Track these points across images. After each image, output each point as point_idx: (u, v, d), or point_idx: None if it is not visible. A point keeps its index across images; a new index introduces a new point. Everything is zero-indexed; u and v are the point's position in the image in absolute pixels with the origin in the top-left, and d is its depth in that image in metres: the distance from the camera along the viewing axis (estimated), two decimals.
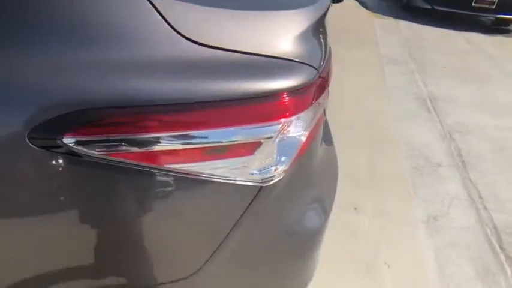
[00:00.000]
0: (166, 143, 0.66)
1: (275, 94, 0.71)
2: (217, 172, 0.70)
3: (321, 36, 0.90)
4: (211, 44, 0.69)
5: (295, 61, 0.76)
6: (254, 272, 0.88)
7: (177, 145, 0.67)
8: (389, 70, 4.14)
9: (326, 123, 1.24)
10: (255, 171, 0.73)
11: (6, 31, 0.61)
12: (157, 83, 0.65)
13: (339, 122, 2.88)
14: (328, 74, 0.91)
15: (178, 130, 0.66)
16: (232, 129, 0.69)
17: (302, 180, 0.89)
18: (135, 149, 0.65)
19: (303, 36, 0.80)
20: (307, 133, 0.80)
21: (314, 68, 0.79)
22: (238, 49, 0.71)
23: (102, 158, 0.64)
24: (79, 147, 0.63)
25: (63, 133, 0.62)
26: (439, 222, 2.02)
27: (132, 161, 0.65)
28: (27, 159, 0.63)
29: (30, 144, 0.61)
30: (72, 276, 0.76)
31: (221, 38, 0.70)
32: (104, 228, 0.71)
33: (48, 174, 0.64)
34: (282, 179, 0.78)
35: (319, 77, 0.81)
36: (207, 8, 0.72)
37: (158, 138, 0.66)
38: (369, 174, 2.34)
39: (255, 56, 0.72)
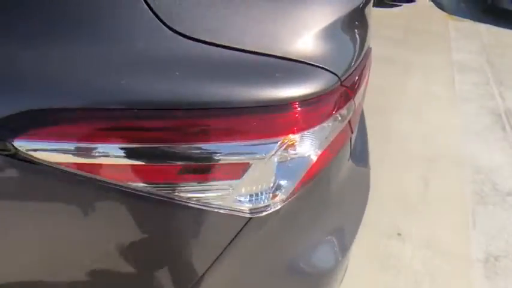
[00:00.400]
0: (127, 155, 0.54)
1: (274, 104, 0.56)
2: (193, 197, 0.57)
3: (351, 34, 0.72)
4: (200, 37, 0.55)
5: (308, 64, 0.60)
6: None
7: (143, 160, 0.54)
8: (461, 78, 3.70)
9: (362, 136, 1.04)
10: (242, 199, 0.58)
11: None
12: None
13: (393, 134, 2.61)
14: (357, 81, 0.73)
15: (146, 142, 0.53)
16: (216, 144, 0.55)
17: (311, 208, 0.72)
18: (84, 159, 0.53)
19: (324, 34, 0.63)
20: (319, 152, 0.63)
21: (334, 73, 0.62)
22: (234, 45, 0.56)
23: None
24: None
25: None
26: (501, 263, 1.70)
27: (83, 173, 0.54)
28: None
29: None
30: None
31: (213, 31, 0.56)
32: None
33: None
34: (280, 208, 0.62)
35: (341, 85, 0.63)
36: None
37: (120, 148, 0.53)
38: (420, 196, 2.05)
39: (252, 55, 0.57)
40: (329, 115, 0.63)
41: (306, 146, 0.61)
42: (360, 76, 0.75)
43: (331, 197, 0.77)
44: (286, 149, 0.59)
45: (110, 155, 0.53)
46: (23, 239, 0.61)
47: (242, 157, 0.55)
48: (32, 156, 0.53)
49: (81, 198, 0.56)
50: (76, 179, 0.54)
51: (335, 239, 0.80)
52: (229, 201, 0.58)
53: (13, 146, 0.52)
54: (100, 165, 0.53)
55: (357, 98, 0.73)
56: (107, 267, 0.62)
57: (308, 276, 0.75)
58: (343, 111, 0.67)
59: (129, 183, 0.55)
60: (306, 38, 0.61)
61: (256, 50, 0.57)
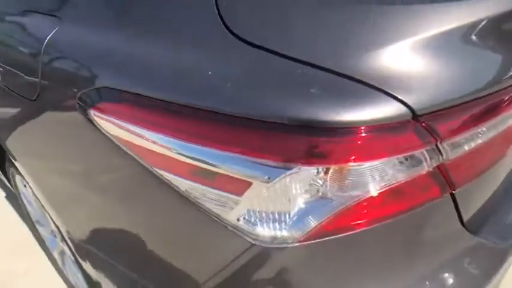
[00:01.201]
0: (160, 143, 0.56)
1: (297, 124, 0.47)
2: (204, 200, 0.55)
3: (462, 60, 0.52)
4: (271, 48, 0.51)
5: (365, 84, 0.47)
6: None
7: (167, 150, 0.56)
8: None
9: None
10: (245, 219, 0.52)
11: None
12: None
13: None
14: (466, 124, 0.52)
15: (183, 137, 0.54)
16: (225, 154, 0.51)
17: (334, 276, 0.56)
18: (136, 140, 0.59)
19: (408, 54, 0.49)
20: (358, 198, 0.50)
21: (404, 103, 0.47)
22: (281, 52, 0.50)
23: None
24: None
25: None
26: None
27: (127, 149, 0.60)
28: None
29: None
30: None
31: (282, 43, 0.52)
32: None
33: None
34: (293, 249, 0.52)
35: (415, 119, 0.47)
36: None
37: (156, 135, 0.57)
38: None
39: (307, 67, 0.49)
40: (379, 154, 0.48)
41: (339, 185, 0.49)
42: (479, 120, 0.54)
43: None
44: (309, 181, 0.49)
45: (153, 141, 0.58)
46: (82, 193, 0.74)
47: (245, 174, 0.49)
48: (97, 123, 0.63)
49: (118, 167, 0.63)
50: (119, 148, 0.61)
51: None
52: (233, 217, 0.53)
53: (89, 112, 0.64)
54: (134, 144, 0.59)
55: (458, 144, 0.53)
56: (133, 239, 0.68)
57: None
58: (416, 154, 0.50)
59: (157, 169, 0.58)
60: (380, 57, 0.48)
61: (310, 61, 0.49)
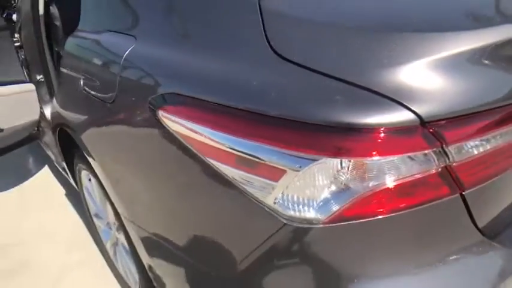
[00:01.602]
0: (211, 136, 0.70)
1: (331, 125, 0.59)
2: (248, 185, 0.67)
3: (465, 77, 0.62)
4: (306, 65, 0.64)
5: (384, 96, 0.58)
6: None
7: (218, 144, 0.69)
8: None
9: None
10: (280, 202, 0.64)
11: None
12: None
13: None
14: (473, 133, 0.61)
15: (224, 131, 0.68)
16: (272, 148, 0.63)
17: (355, 253, 0.66)
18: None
19: (418, 72, 0.60)
20: (374, 189, 0.60)
21: (413, 111, 0.57)
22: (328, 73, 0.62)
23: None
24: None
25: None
26: None
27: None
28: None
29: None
30: None
31: (314, 59, 0.65)
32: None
33: None
34: (321, 231, 0.63)
35: (423, 125, 0.58)
36: (316, 24, 0.68)
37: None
38: None
39: (335, 81, 0.61)
40: (392, 152, 0.58)
41: (357, 176, 0.60)
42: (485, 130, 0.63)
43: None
44: (333, 171, 0.60)
45: (208, 137, 0.71)
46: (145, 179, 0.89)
47: (281, 163, 0.61)
48: (164, 121, 0.78)
49: (179, 158, 0.77)
50: (180, 142, 0.75)
51: None
52: (270, 200, 0.65)
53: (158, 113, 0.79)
54: (192, 138, 0.72)
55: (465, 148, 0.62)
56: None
57: None
58: (424, 154, 0.59)
59: (210, 159, 0.71)
60: (394, 73, 0.60)
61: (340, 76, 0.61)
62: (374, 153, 0.58)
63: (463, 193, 0.66)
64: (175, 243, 0.89)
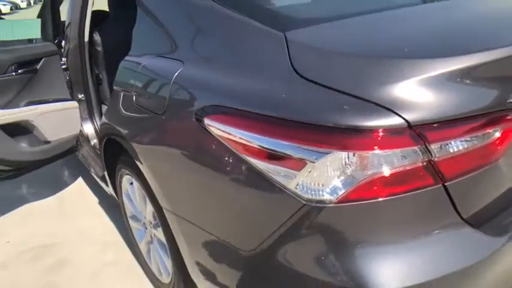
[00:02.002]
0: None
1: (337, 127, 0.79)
2: (275, 175, 0.87)
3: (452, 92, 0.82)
4: (319, 82, 0.86)
5: (378, 105, 0.78)
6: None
7: (251, 143, 0.89)
8: None
9: None
10: (300, 187, 0.83)
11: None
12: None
13: None
14: (452, 134, 0.81)
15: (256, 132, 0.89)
16: (291, 144, 0.83)
17: (359, 228, 0.84)
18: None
19: (411, 86, 0.80)
20: (369, 177, 0.79)
21: (402, 117, 0.77)
22: (337, 88, 0.83)
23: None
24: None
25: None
26: None
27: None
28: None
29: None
30: None
31: (325, 77, 0.86)
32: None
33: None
34: (332, 209, 0.82)
35: (411, 128, 0.77)
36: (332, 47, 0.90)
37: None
38: None
39: (338, 93, 0.82)
40: (386, 147, 0.77)
41: (359, 167, 0.79)
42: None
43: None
44: (335, 165, 0.79)
45: (243, 138, 0.92)
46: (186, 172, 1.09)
47: (302, 156, 0.81)
48: (208, 127, 0.99)
49: (218, 156, 0.97)
50: (221, 143, 0.95)
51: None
52: (292, 186, 0.84)
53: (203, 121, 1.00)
54: (230, 140, 0.93)
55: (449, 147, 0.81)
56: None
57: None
58: (411, 150, 0.78)
59: (244, 155, 0.91)
60: (389, 89, 0.80)
61: (346, 91, 0.82)
62: (373, 148, 0.77)
63: (445, 184, 0.84)
64: (213, 229, 1.08)
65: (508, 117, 0.89)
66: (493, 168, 0.92)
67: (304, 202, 0.83)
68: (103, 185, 2.17)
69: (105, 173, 1.93)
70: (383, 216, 0.83)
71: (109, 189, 2.06)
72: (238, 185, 0.96)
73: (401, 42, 0.94)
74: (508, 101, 0.88)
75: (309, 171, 0.81)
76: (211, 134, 0.98)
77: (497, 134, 0.87)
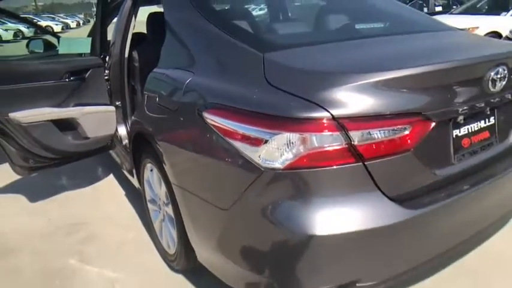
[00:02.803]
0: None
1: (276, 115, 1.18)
2: (246, 150, 1.24)
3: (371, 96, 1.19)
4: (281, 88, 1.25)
5: (310, 101, 1.16)
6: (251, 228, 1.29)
7: (233, 129, 1.28)
8: None
9: None
10: (261, 159, 1.20)
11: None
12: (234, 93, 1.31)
13: None
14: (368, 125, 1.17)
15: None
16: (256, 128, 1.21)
17: (298, 191, 1.19)
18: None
19: (341, 91, 1.17)
20: (301, 154, 1.15)
21: (327, 110, 1.14)
22: (289, 91, 1.22)
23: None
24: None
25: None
26: None
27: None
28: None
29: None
30: None
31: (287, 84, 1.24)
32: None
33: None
34: (282, 174, 1.18)
35: (334, 119, 1.13)
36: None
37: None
38: None
39: (291, 95, 1.20)
40: (317, 131, 1.13)
41: (298, 144, 1.15)
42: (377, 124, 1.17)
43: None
44: (282, 142, 1.16)
45: (227, 126, 1.30)
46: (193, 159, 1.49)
47: (254, 134, 1.19)
48: (205, 119, 1.38)
49: (213, 140, 1.35)
50: (214, 131, 1.34)
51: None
52: (256, 158, 1.21)
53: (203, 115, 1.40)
54: (220, 127, 1.31)
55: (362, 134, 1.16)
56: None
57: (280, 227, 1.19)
58: (335, 134, 1.14)
59: (227, 138, 1.29)
60: (323, 93, 1.16)
61: (296, 93, 1.20)
62: (308, 131, 1.13)
63: (365, 163, 1.18)
64: (204, 195, 1.45)
65: (417, 119, 1.23)
66: (408, 156, 1.24)
67: (263, 169, 1.19)
68: (130, 177, 2.59)
69: (133, 164, 2.36)
70: (317, 181, 1.18)
71: (134, 181, 2.48)
72: (222, 160, 1.34)
73: (342, 62, 1.32)
74: (417, 106, 1.22)
75: (266, 147, 1.18)
76: (206, 123, 1.37)
77: (407, 131, 1.21)
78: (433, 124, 1.26)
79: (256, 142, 1.20)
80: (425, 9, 11.48)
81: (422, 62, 1.27)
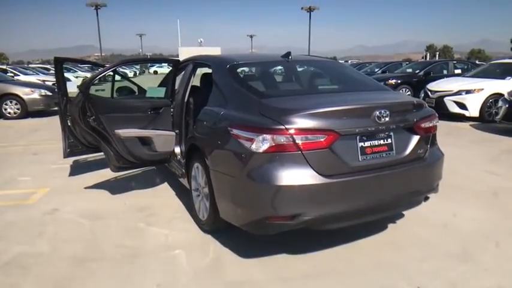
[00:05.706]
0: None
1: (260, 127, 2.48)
2: (247, 145, 2.53)
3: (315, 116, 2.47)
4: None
5: (271, 119, 2.47)
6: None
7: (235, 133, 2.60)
8: None
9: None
10: (253, 148, 2.49)
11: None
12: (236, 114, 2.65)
13: None
14: (306, 133, 2.44)
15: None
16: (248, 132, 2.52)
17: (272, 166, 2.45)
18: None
19: (296, 112, 2.47)
20: (266, 147, 2.44)
21: (283, 125, 2.43)
22: (270, 117, 2.54)
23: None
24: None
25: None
26: None
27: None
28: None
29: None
30: None
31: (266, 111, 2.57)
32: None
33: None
34: (262, 155, 2.45)
35: (286, 130, 2.42)
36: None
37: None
38: None
39: (269, 118, 2.52)
40: (276, 134, 2.41)
41: (267, 139, 2.43)
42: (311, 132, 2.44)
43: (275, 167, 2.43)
44: (262, 139, 2.45)
45: (239, 133, 2.61)
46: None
47: (250, 136, 2.49)
48: (230, 131, 2.70)
49: (231, 141, 2.66)
50: (232, 137, 2.65)
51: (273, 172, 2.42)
52: (251, 146, 2.49)
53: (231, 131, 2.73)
54: (237, 135, 2.62)
55: (301, 138, 2.42)
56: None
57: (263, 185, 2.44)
58: (287, 137, 2.40)
59: (240, 140, 2.60)
60: (287, 117, 2.46)
61: (271, 118, 2.50)
62: (274, 134, 2.41)
63: (303, 152, 2.43)
64: (226, 171, 2.73)
65: (330, 132, 2.47)
66: (326, 151, 2.48)
67: (254, 152, 2.47)
68: (181, 180, 3.91)
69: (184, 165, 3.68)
70: (280, 159, 2.44)
71: (184, 181, 3.79)
72: (235, 150, 2.63)
73: (297, 103, 2.60)
74: (331, 126, 2.47)
75: (255, 142, 2.47)
76: (230, 133, 2.68)
77: (323, 139, 2.46)
78: (340, 136, 2.49)
79: (251, 140, 2.49)
80: (445, 71, 12.59)
81: (338, 105, 2.54)
